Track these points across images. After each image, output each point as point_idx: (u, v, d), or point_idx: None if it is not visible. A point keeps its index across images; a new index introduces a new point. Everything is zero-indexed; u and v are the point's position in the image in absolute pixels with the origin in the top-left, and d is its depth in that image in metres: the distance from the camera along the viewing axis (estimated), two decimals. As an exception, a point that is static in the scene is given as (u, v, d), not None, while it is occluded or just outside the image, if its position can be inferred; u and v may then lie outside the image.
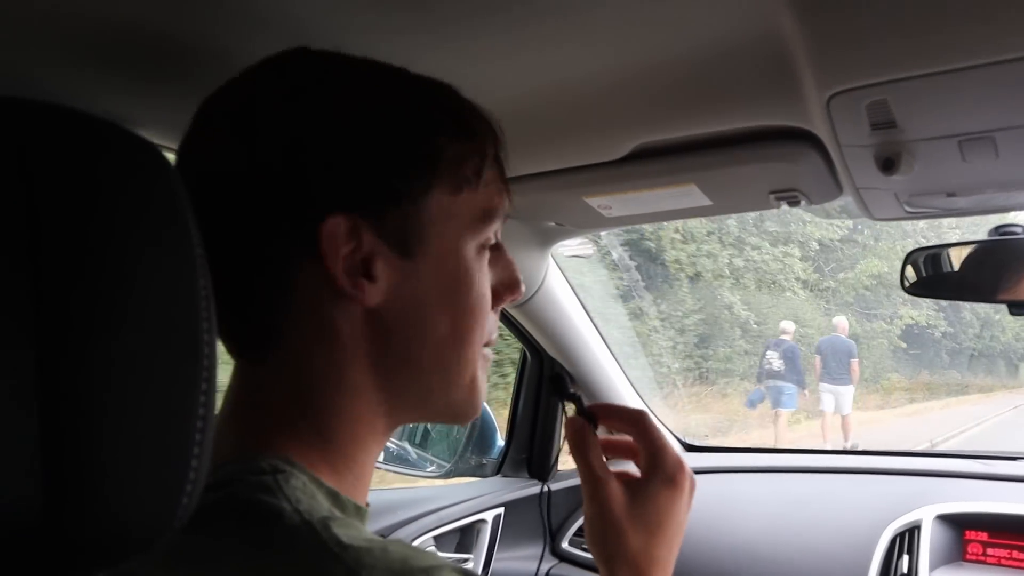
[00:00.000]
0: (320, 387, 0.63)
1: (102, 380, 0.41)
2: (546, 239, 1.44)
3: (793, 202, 1.07)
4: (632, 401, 1.94)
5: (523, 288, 0.74)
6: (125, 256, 0.42)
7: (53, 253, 0.40)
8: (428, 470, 1.94)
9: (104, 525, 0.41)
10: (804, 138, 0.92)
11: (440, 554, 1.61)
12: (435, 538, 1.61)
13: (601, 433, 0.82)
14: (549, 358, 1.81)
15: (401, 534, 1.57)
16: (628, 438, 0.82)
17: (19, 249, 0.39)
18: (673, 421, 2.16)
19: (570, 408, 0.83)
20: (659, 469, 0.77)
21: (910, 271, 1.32)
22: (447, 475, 1.86)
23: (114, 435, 0.41)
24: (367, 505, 0.67)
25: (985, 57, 0.69)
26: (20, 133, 0.41)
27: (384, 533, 1.55)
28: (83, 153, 0.43)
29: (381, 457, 1.88)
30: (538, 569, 1.77)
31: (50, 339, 0.39)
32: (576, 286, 1.66)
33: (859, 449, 2.02)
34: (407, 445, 2.03)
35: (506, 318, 1.66)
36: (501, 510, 1.76)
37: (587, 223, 1.30)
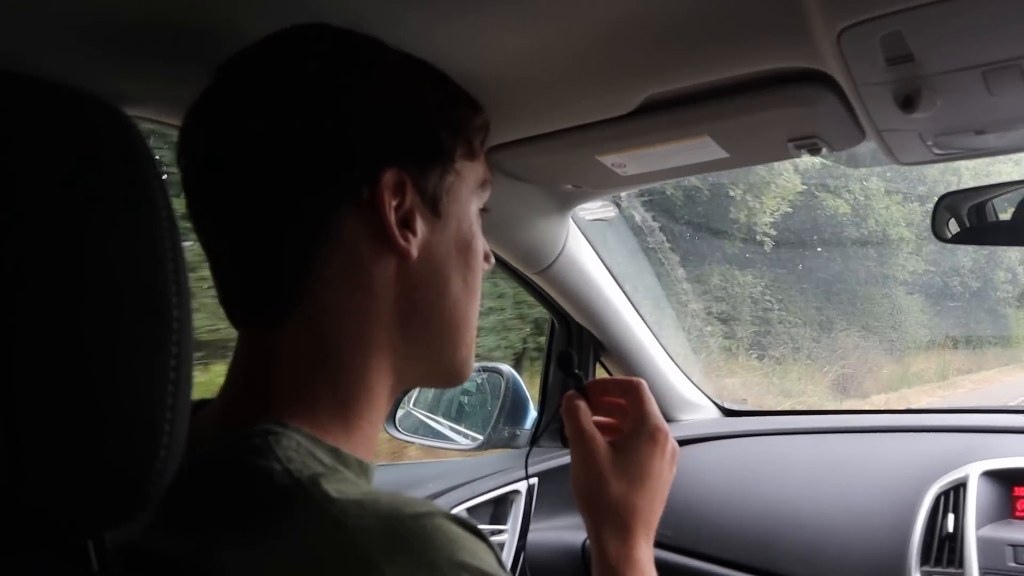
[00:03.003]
0: (342, 342, 0.65)
1: (59, 344, 0.40)
2: (564, 203, 1.40)
3: (814, 150, 1.02)
4: (664, 366, 1.90)
5: (492, 258, 0.79)
6: (79, 216, 0.41)
7: (6, 216, 0.39)
8: (462, 443, 1.93)
9: (71, 497, 0.41)
10: (819, 80, 0.87)
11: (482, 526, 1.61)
12: (468, 510, 1.61)
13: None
14: (577, 326, 1.79)
15: (434, 507, 1.56)
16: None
17: None
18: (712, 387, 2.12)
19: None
20: (641, 428, 0.85)
21: (945, 217, 1.26)
22: (481, 447, 1.85)
23: (74, 402, 0.40)
24: (374, 461, 0.67)
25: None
26: None
27: (416, 506, 1.55)
28: (29, 114, 0.41)
29: (416, 431, 1.91)
30: (585, 540, 1.75)
31: (8, 305, 0.38)
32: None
33: (900, 408, 1.95)
34: (441, 418, 2.03)
35: (530, 285, 1.63)
36: (535, 480, 1.75)
37: (603, 183, 1.26)
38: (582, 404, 0.87)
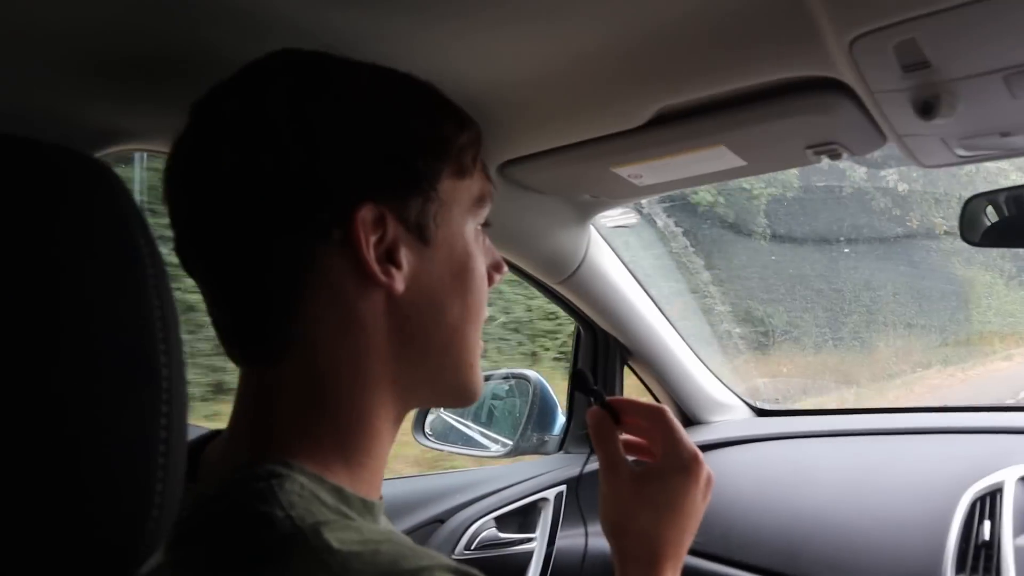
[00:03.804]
0: (339, 380, 0.64)
1: (47, 412, 0.39)
2: (583, 213, 1.39)
3: (834, 155, 1.00)
4: (693, 368, 1.89)
5: (505, 268, 0.77)
6: (59, 278, 0.40)
7: None
8: (492, 449, 1.93)
9: (60, 560, 0.40)
10: (835, 87, 0.85)
11: (502, 535, 1.61)
12: (496, 519, 1.61)
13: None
14: (603, 333, 1.77)
15: (461, 517, 1.57)
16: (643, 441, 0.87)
17: None
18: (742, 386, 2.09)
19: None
20: (673, 456, 0.81)
21: (974, 219, 1.23)
22: (510, 454, 1.84)
23: (65, 468, 0.39)
24: (380, 499, 0.67)
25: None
26: None
27: (443, 517, 1.55)
28: (7, 173, 0.41)
29: (445, 436, 1.91)
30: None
31: None
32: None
33: (935, 406, 1.91)
34: (471, 423, 2.03)
35: (554, 295, 1.63)
36: (563, 487, 1.74)
37: (620, 193, 1.25)
38: (611, 426, 0.84)
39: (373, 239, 0.62)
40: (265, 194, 0.61)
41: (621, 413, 0.86)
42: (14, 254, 0.40)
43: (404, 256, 0.64)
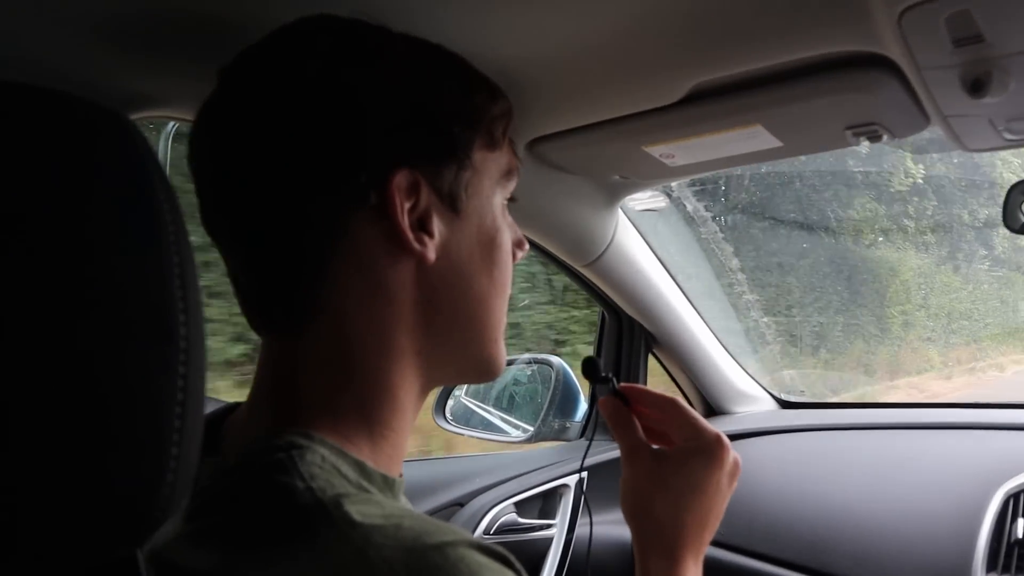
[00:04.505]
0: (365, 350, 0.63)
1: (62, 368, 0.38)
2: (612, 194, 1.37)
3: (874, 137, 0.97)
4: (718, 358, 1.86)
5: (527, 246, 0.75)
6: (80, 233, 0.39)
7: (1, 231, 0.37)
8: (512, 435, 1.92)
9: (74, 521, 0.39)
10: (879, 64, 0.82)
11: (522, 520, 1.59)
12: (516, 504, 1.59)
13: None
14: (628, 318, 1.75)
15: (481, 501, 1.55)
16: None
17: None
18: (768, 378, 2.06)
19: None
20: (695, 439, 0.78)
21: (1018, 205, 1.18)
22: (531, 439, 1.83)
23: (77, 427, 0.38)
24: (400, 476, 0.65)
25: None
26: None
27: (463, 501, 1.54)
28: (32, 125, 0.40)
29: (467, 421, 1.90)
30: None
31: (4, 326, 0.37)
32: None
33: (965, 402, 1.87)
34: (492, 408, 2.01)
35: (579, 278, 1.60)
36: (584, 474, 1.72)
37: (651, 174, 1.22)
38: (628, 412, 0.82)
39: (407, 206, 0.62)
40: (302, 157, 0.60)
41: (633, 401, 0.84)
42: (40, 205, 0.39)
43: (436, 225, 0.64)
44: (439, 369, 0.68)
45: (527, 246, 0.76)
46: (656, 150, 1.08)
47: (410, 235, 0.62)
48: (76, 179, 0.40)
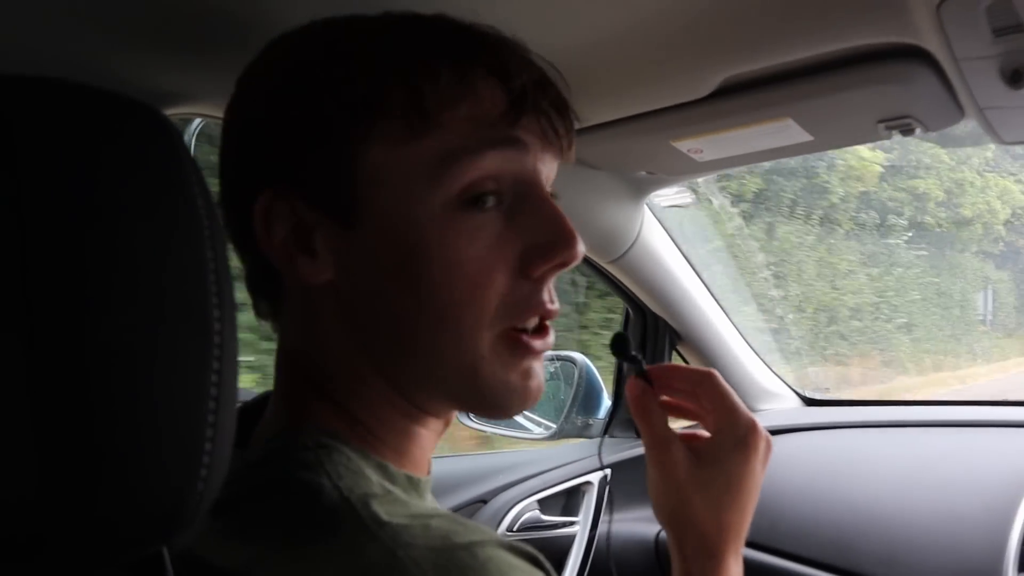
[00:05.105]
0: (322, 365, 0.60)
1: (96, 363, 0.38)
2: (639, 190, 1.36)
3: (907, 131, 0.96)
4: (743, 354, 1.84)
5: (575, 246, 0.59)
6: (117, 227, 0.39)
7: (40, 226, 0.37)
8: (535, 432, 1.91)
9: (106, 519, 0.39)
10: (913, 55, 0.81)
11: (545, 518, 1.59)
12: (539, 502, 1.59)
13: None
14: (652, 315, 1.74)
15: (504, 498, 1.55)
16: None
17: (5, 226, 0.37)
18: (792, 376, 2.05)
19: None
20: (729, 430, 0.71)
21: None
22: (554, 436, 1.82)
23: (111, 423, 0.38)
24: (428, 474, 0.64)
25: None
26: (3, 107, 0.39)
27: (486, 498, 1.54)
28: (70, 120, 0.40)
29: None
30: (659, 533, 1.72)
31: (39, 320, 0.37)
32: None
33: (996, 400, 1.84)
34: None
35: (603, 274, 1.60)
36: (608, 471, 1.72)
37: (679, 169, 1.22)
38: (654, 400, 0.74)
39: (286, 226, 0.57)
40: (232, 178, 0.61)
41: (665, 379, 0.76)
42: (78, 198, 0.39)
43: (321, 242, 0.57)
44: (418, 392, 0.60)
45: (575, 244, 0.59)
46: (684, 145, 1.07)
47: (278, 257, 0.57)
48: (114, 173, 0.40)
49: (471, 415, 1.83)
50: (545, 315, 0.60)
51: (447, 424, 0.66)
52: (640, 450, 1.81)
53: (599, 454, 1.72)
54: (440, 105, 0.55)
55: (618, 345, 0.78)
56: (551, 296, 0.60)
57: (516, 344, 0.59)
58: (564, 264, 0.59)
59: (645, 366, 0.76)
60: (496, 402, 0.60)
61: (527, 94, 0.58)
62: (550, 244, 0.58)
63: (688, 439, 0.74)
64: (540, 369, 0.62)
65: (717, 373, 0.74)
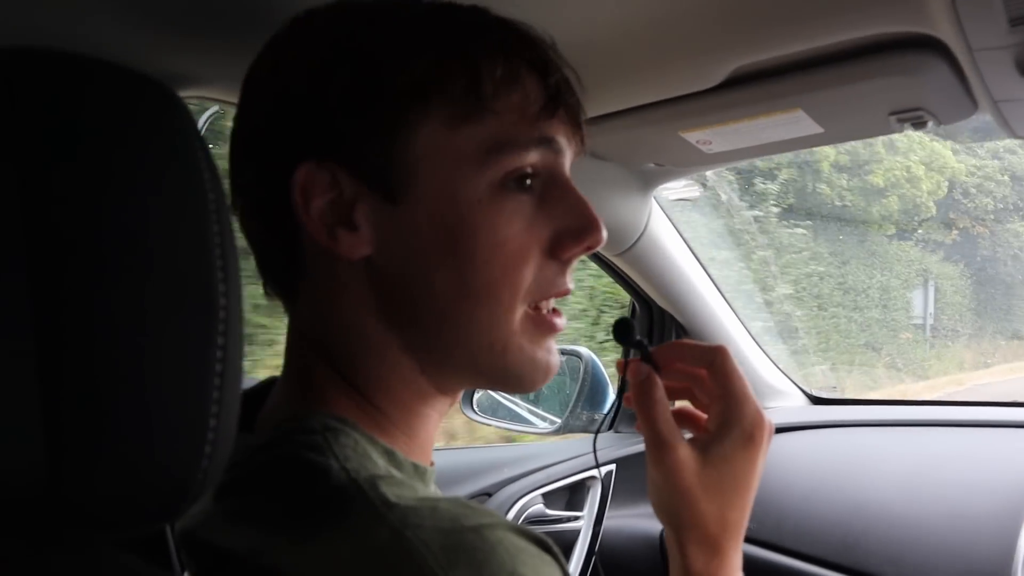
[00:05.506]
0: (342, 344, 0.60)
1: (102, 336, 0.38)
2: (647, 182, 1.35)
3: (919, 123, 0.95)
4: (749, 351, 1.83)
5: (600, 231, 0.62)
6: (125, 200, 0.39)
7: (45, 196, 0.37)
8: (540, 426, 1.91)
9: (111, 492, 0.39)
10: (926, 46, 0.80)
11: (549, 512, 1.58)
12: (543, 495, 1.58)
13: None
14: (658, 309, 1.73)
15: (508, 491, 1.54)
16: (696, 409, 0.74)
17: (8, 200, 0.36)
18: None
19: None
20: (736, 425, 0.66)
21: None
22: (558, 431, 1.82)
23: (116, 396, 0.38)
24: (432, 464, 0.64)
25: None
26: (7, 80, 0.38)
27: (490, 491, 1.53)
28: (74, 93, 0.40)
29: (494, 412, 1.90)
30: (663, 529, 1.71)
31: (45, 294, 0.36)
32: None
33: (1005, 400, 1.83)
34: (518, 400, 2.01)
35: (610, 267, 1.59)
36: (613, 467, 1.71)
37: (687, 161, 1.21)
38: (658, 392, 0.68)
39: (325, 199, 0.57)
40: (254, 153, 0.61)
41: (671, 358, 0.71)
42: (89, 170, 0.39)
43: (363, 217, 0.57)
44: (442, 369, 0.62)
45: (599, 231, 0.62)
46: (693, 136, 1.06)
47: (317, 231, 0.57)
48: (122, 145, 0.40)
49: (476, 409, 1.83)
50: (563, 295, 0.63)
51: (452, 404, 0.67)
52: (643, 446, 1.80)
53: (594, 452, 1.70)
54: (496, 92, 0.58)
55: (621, 330, 0.73)
56: (569, 278, 0.64)
57: (541, 321, 0.62)
58: (590, 248, 0.62)
59: (650, 348, 0.71)
60: (522, 376, 0.62)
61: (561, 90, 0.61)
62: (580, 228, 0.61)
63: (685, 417, 0.73)
64: (555, 347, 0.64)
65: (727, 350, 0.69)
